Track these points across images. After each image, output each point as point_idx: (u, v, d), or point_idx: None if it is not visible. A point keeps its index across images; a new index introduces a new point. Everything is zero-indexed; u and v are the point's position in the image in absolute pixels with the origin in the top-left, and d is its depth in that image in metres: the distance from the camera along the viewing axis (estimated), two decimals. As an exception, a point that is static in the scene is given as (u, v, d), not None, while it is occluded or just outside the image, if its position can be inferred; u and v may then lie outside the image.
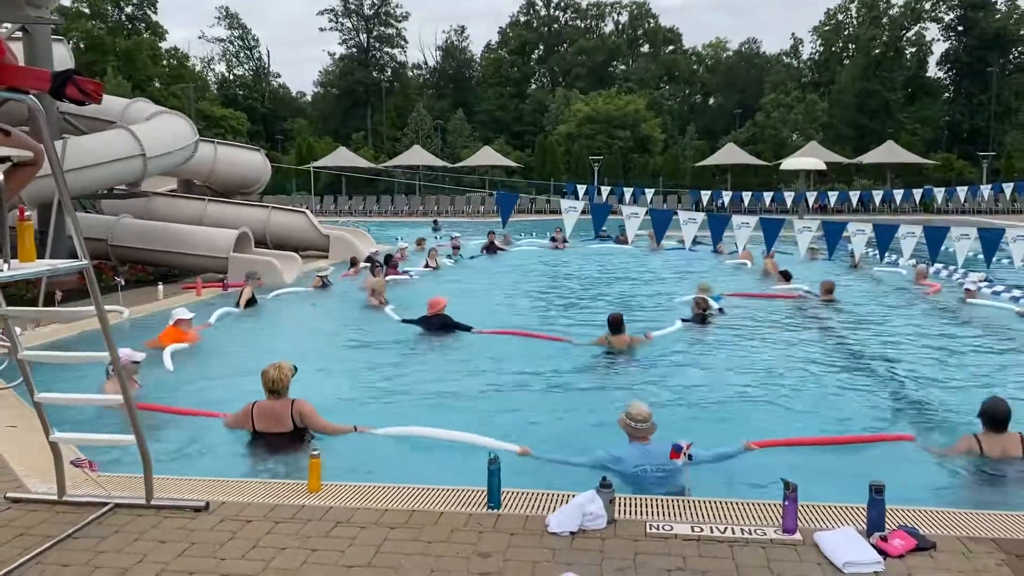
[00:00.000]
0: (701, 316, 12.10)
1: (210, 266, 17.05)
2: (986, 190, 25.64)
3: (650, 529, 4.79)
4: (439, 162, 51.30)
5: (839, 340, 11.21)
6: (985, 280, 15.80)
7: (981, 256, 12.45)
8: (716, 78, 77.92)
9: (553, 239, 25.83)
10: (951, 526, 4.84)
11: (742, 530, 4.78)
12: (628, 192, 24.73)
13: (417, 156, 50.59)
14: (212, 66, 79.88)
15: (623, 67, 78.34)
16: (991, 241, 9.74)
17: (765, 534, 4.72)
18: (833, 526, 4.83)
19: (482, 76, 78.04)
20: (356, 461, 6.37)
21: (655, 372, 9.58)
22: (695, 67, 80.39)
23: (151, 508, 5.11)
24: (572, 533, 4.72)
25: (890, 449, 6.84)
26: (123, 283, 13.66)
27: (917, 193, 24.94)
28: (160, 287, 14.76)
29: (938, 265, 17.51)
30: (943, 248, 10.39)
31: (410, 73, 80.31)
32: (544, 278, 19.22)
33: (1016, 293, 13.56)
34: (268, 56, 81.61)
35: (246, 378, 8.17)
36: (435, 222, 32.63)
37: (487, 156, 51.58)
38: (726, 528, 4.80)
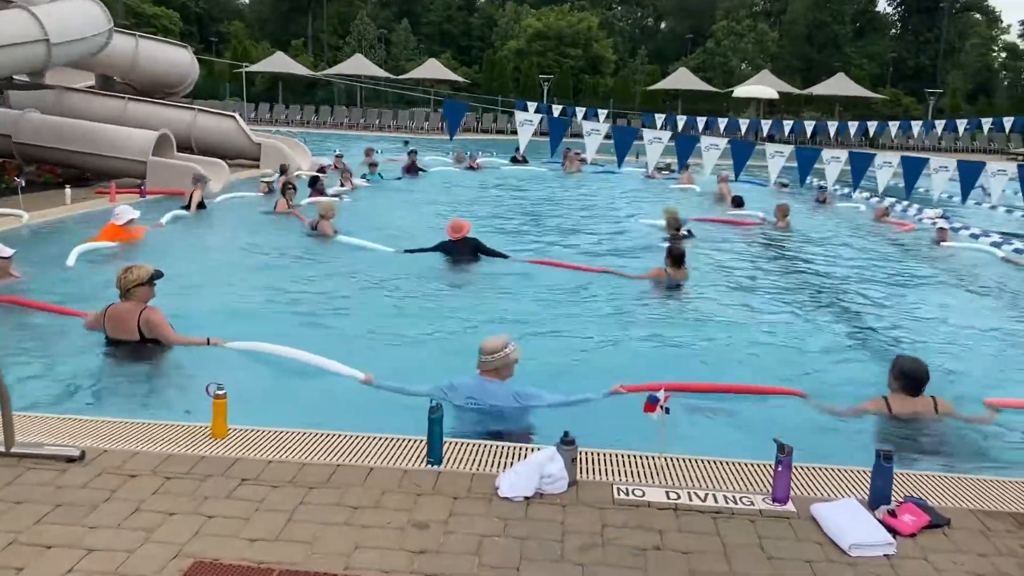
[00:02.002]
0: (676, 238, 11.43)
1: (127, 170, 15.63)
2: (940, 126, 25.39)
3: (618, 494, 4.05)
4: (382, 73, 49.03)
5: (794, 279, 10.52)
6: (943, 217, 15.43)
7: (941, 194, 11.95)
8: (669, 1, 76.13)
9: (462, 160, 24.12)
10: (957, 496, 4.22)
11: (725, 497, 4.07)
12: (581, 113, 23.66)
13: (359, 65, 48.17)
14: (142, -41, 74.67)
15: (576, -16, 75.80)
16: (969, 175, 9.14)
17: (752, 503, 4.03)
18: (820, 491, 4.18)
19: (430, -15, 74.66)
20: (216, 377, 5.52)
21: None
22: (648, -12, 78.30)
23: (12, 457, 4.17)
24: (527, 498, 3.95)
25: (785, 404, 5.88)
26: (23, 184, 12.25)
27: (872, 126, 24.49)
28: (68, 191, 13.36)
29: (895, 201, 17.02)
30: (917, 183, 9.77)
31: (353, -23, 76.34)
32: (482, 203, 17.61)
33: (996, 237, 13.02)
34: (202, -48, 75.95)
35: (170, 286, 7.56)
36: (406, 142, 30.51)
37: (433, 69, 49.50)
38: (706, 495, 4.08)
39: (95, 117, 17.20)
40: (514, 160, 24.80)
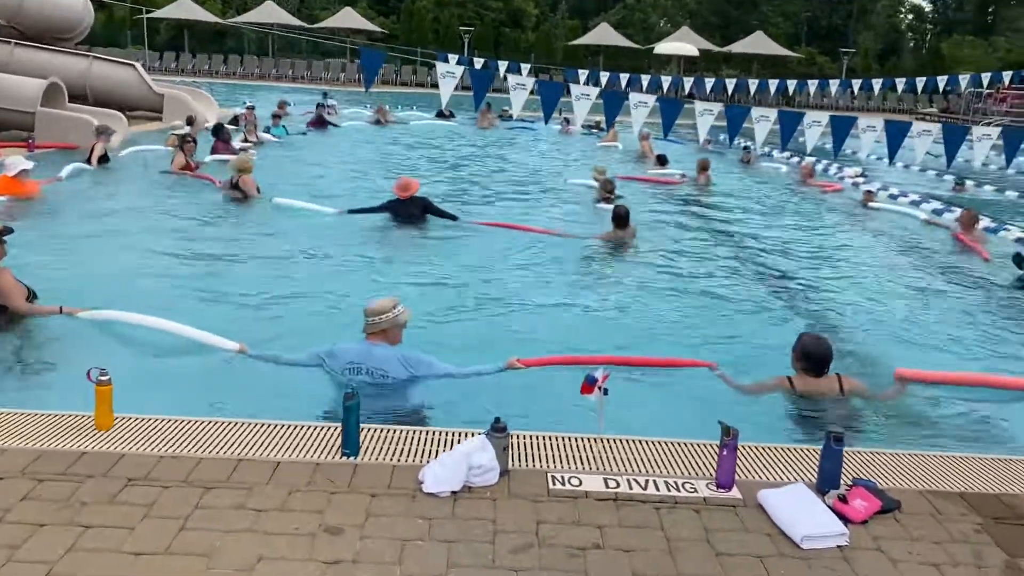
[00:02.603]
0: (607, 199, 11.23)
1: (13, 121, 14.45)
2: (856, 85, 25.83)
3: (553, 484, 3.71)
4: (295, 22, 47.08)
5: (718, 242, 10.36)
6: (862, 176, 15.59)
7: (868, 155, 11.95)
8: (590, -45, 75.33)
9: (384, 115, 23.37)
10: (903, 475, 4.03)
11: (667, 484, 3.78)
12: (503, 67, 23.08)
13: (270, 13, 46.10)
14: None
15: (495, -66, 74.17)
16: (896, 135, 9.08)
17: (696, 490, 3.75)
18: (762, 473, 3.94)
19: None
20: (65, 350, 5.54)
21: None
22: (569, -60, 77.23)
23: None
24: (454, 493, 3.57)
25: (689, 377, 5.60)
26: None
27: (792, 85, 24.71)
28: (-57, 145, 12.22)
29: (815, 160, 17.05)
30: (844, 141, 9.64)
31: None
32: (400, 161, 16.86)
33: (915, 197, 13.07)
34: None
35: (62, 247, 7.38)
36: (324, 94, 29.16)
37: (348, 18, 47.76)
38: (647, 482, 3.79)
39: (-24, 64, 15.83)
40: (440, 115, 24.00)
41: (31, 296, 5.98)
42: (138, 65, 19.85)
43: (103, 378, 3.99)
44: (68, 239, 8.72)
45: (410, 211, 9.78)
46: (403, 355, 5.06)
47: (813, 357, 5.16)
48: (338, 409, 4.59)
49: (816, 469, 3.87)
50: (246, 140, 16.20)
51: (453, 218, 10.01)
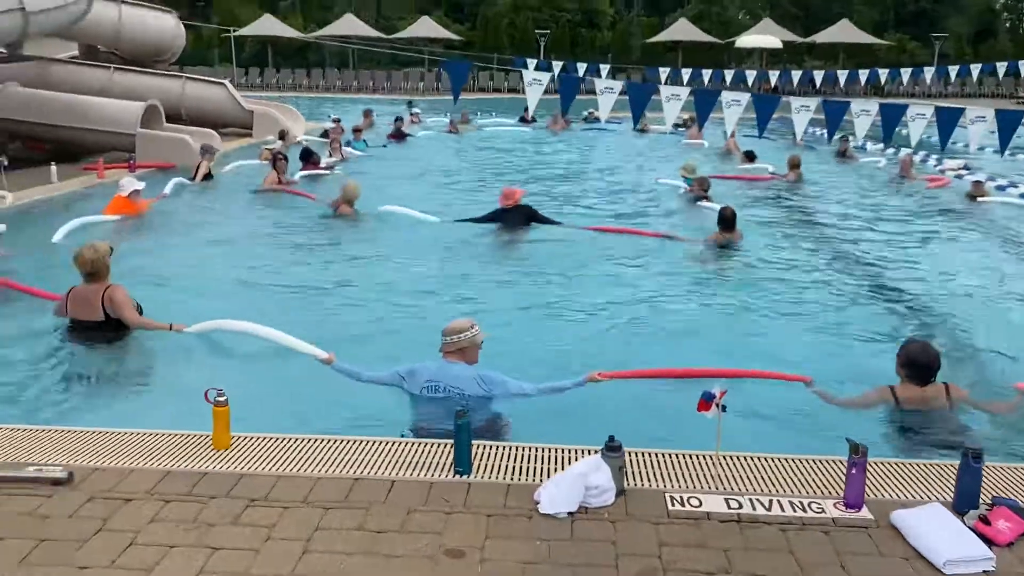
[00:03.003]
0: (704, 197, 11.28)
1: (115, 143, 15.02)
2: (953, 71, 24.66)
3: (672, 504, 3.61)
4: (374, 33, 47.88)
5: (811, 243, 9.99)
6: (964, 168, 14.88)
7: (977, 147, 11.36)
8: (665, -51, 74.37)
9: (467, 121, 23.68)
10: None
11: (791, 504, 3.63)
12: (582, 68, 22.97)
13: (350, 26, 46.97)
14: (122, -78, 72.90)
15: (568, -65, 73.97)
16: (1008, 124, 8.57)
17: (823, 510, 3.59)
18: (890, 491, 3.75)
19: (419, -60, 72.89)
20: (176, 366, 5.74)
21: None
22: (643, -64, 76.44)
23: (-10, 481, 3.72)
24: (571, 514, 3.50)
25: (783, 391, 5.33)
26: (6, 163, 11.68)
27: (883, 74, 23.82)
28: (53, 168, 12.76)
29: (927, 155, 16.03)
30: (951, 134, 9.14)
31: (342, -65, 74.55)
32: (483, 168, 16.92)
33: None
34: (185, -88, 74.00)
35: (172, 259, 7.99)
36: (409, 102, 29.65)
37: (426, 27, 48.27)
38: (771, 501, 3.65)
39: (80, 89, 16.56)
40: (522, 120, 24.02)
41: (139, 310, 6.20)
42: (228, 83, 20.47)
43: (220, 399, 4.07)
44: (174, 255, 9.07)
45: (515, 219, 9.88)
46: (479, 374, 5.08)
47: (918, 364, 4.90)
48: (422, 426, 4.75)
49: (950, 487, 3.67)
50: (331, 156, 16.28)
51: (558, 224, 10.04)
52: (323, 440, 4.21)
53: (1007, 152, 9.83)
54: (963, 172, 14.44)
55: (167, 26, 20.82)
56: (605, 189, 13.71)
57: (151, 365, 5.88)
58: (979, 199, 12.02)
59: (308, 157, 14.76)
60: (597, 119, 18.94)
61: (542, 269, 8.50)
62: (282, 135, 17.21)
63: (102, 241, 6.38)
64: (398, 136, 20.35)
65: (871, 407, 4.98)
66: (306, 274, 8.29)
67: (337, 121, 19.45)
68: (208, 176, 13.44)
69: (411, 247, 9.30)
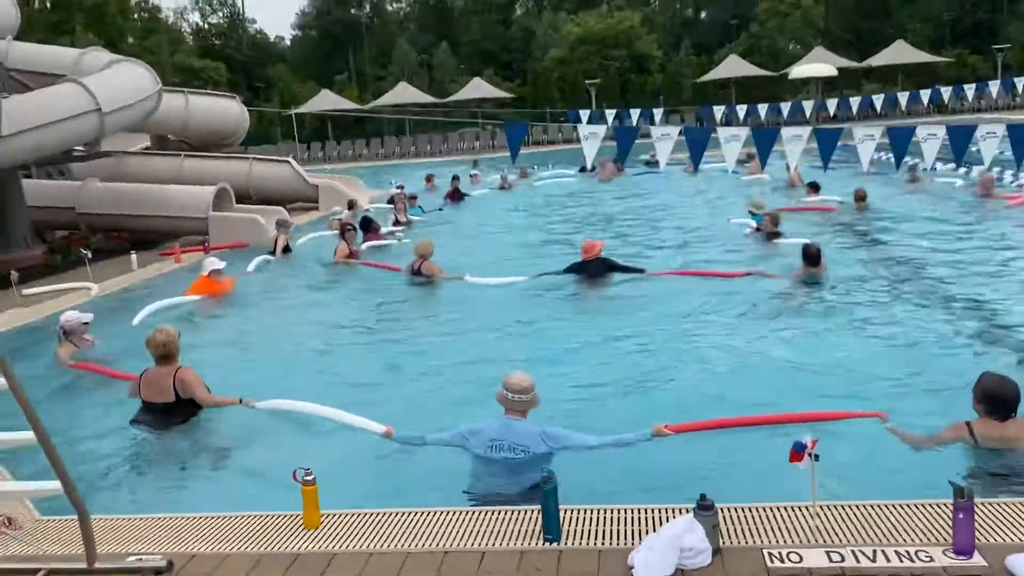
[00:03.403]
0: (775, 233, 11.41)
1: (189, 228, 15.60)
2: (1021, 84, 23.96)
3: (771, 561, 3.49)
4: (428, 98, 49.10)
5: (889, 273, 9.69)
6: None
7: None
8: (707, -11, 74.72)
9: (526, 176, 23.99)
10: None
11: (897, 554, 3.48)
12: (635, 114, 23.04)
13: (404, 94, 48.33)
14: (185, 16, 76.78)
15: (610, -16, 75.10)
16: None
17: (932, 559, 3.43)
18: (997, 534, 3.56)
19: (465, 5, 74.88)
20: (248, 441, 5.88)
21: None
22: (684, -22, 77.02)
23: (95, 574, 3.81)
24: (667, 577, 3.42)
25: (860, 429, 5.11)
26: (90, 255, 12.22)
27: (946, 92, 23.36)
28: (133, 256, 13.33)
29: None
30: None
31: (389, 7, 77.16)
32: (535, 220, 17.10)
33: None
34: (242, 1, 77.83)
35: (251, 334, 8.31)
36: (475, 162, 30.21)
37: (477, 88, 49.29)
38: (875, 552, 3.50)
39: (154, 178, 17.37)
40: (582, 170, 23.96)
41: (207, 389, 6.33)
42: (292, 160, 21.17)
43: (308, 478, 4.12)
44: (253, 330, 9.41)
45: (594, 271, 10.00)
46: (544, 431, 5.04)
47: (996, 399, 4.66)
48: (493, 489, 4.71)
49: (1068, 526, 3.47)
50: (397, 223, 16.40)
51: (640, 271, 10.12)
52: (412, 513, 4.22)
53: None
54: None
55: (232, 111, 21.73)
56: (677, 233, 13.60)
57: (228, 446, 5.96)
58: None
59: (368, 226, 14.71)
60: (656, 163, 18.89)
61: (626, 319, 8.51)
62: (351, 205, 17.66)
63: (166, 325, 6.61)
64: (455, 196, 20.49)
65: (947, 445, 4.74)
66: (390, 343, 8.33)
67: (401, 187, 19.88)
68: (287, 249, 13.84)
69: (494, 308, 9.31)
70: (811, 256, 9.27)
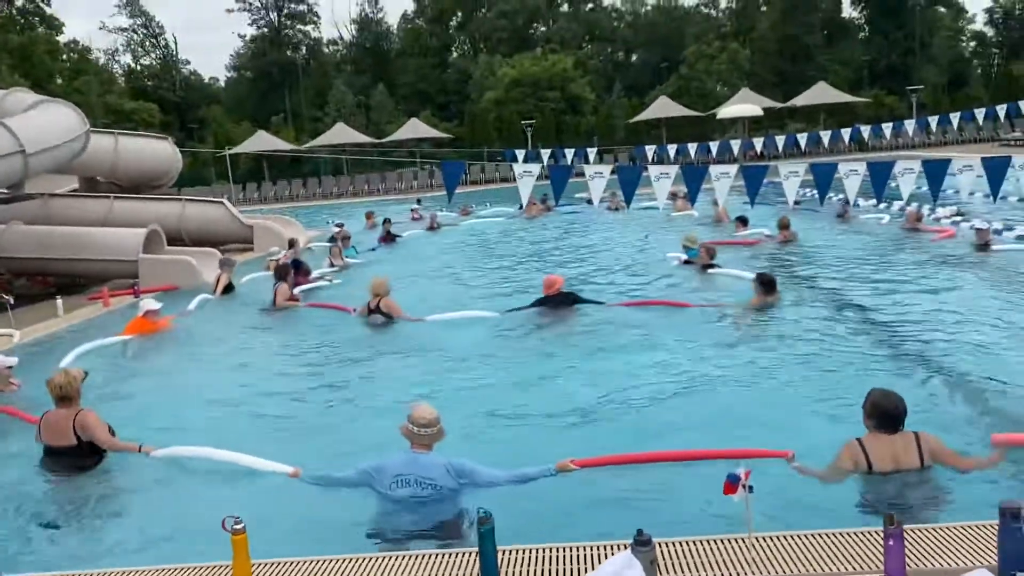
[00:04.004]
0: (709, 264, 11.97)
1: (118, 271, 15.23)
2: (934, 122, 25.23)
3: (710, 596, 3.50)
4: (365, 138, 49.09)
5: (827, 305, 9.97)
6: (958, 215, 14.99)
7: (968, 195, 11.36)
8: (637, 33, 76.78)
9: (468, 213, 24.37)
10: None
11: (832, 583, 3.52)
12: (570, 154, 23.42)
13: (341, 134, 48.23)
14: (117, 58, 75.62)
15: (544, 28, 76.57)
16: (996, 171, 8.65)
17: (866, 587, 3.47)
18: (928, 559, 3.63)
19: (401, 48, 75.46)
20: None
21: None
22: (616, 24, 79.07)
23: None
24: (607, 616, 3.39)
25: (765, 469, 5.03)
26: (12, 301, 11.81)
27: (865, 131, 24.47)
28: (59, 301, 12.90)
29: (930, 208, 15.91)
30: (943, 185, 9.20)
31: (326, 50, 77.29)
32: (469, 259, 17.16)
33: None
34: (175, 43, 76.86)
35: (182, 376, 8.22)
36: (418, 200, 30.10)
37: (414, 129, 49.52)
38: (811, 583, 3.53)
39: (82, 220, 16.91)
40: (521, 208, 24.16)
41: (111, 432, 6.21)
42: (226, 201, 20.89)
43: (238, 526, 3.98)
44: (187, 371, 9.27)
45: (559, 304, 10.23)
46: (450, 463, 5.03)
47: (884, 413, 4.83)
48: (406, 526, 4.75)
49: (993, 550, 3.56)
50: (332, 264, 16.10)
51: (600, 303, 10.38)
52: (347, 560, 4.11)
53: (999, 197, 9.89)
54: (956, 219, 14.54)
55: (164, 153, 21.38)
56: (616, 267, 13.85)
57: (136, 492, 5.77)
58: (984, 247, 11.85)
59: (297, 269, 13.86)
60: (589, 202, 19.20)
61: (589, 348, 8.72)
62: (291, 244, 17.47)
63: (74, 368, 6.57)
64: (387, 239, 20.09)
65: (847, 469, 4.80)
66: (335, 384, 8.16)
67: (340, 226, 19.69)
68: (229, 288, 13.71)
69: (452, 345, 9.22)
70: (768, 284, 9.60)
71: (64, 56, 66.09)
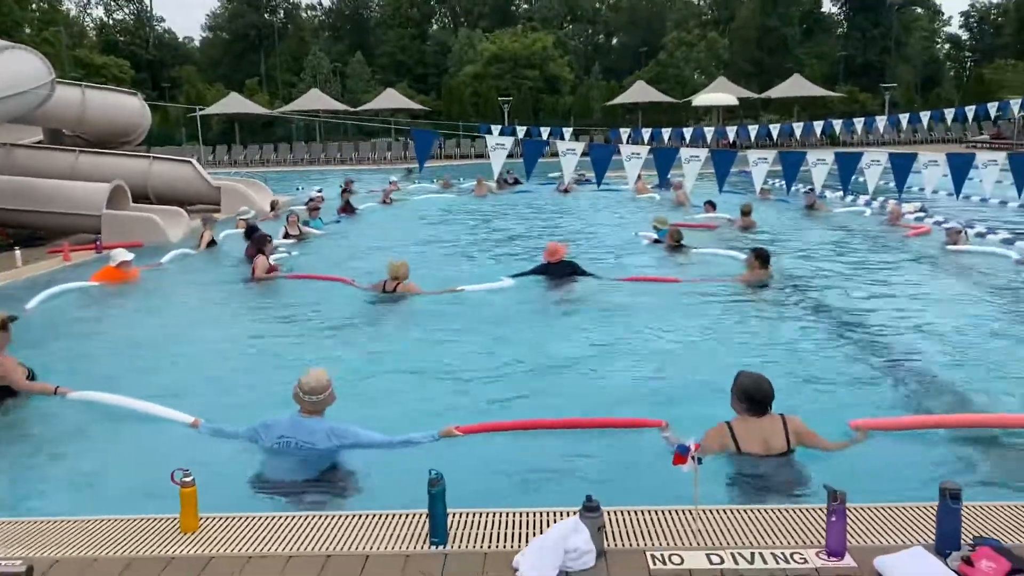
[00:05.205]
0: (677, 245, 12.34)
1: (81, 225, 14.93)
2: (904, 119, 25.56)
3: (654, 563, 3.54)
4: (340, 106, 48.53)
5: (788, 291, 10.09)
6: (921, 211, 15.21)
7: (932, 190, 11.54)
8: (619, 16, 76.68)
9: (449, 187, 24.27)
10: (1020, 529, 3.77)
11: (774, 556, 3.58)
12: (545, 132, 23.39)
13: (316, 100, 47.62)
14: (89, 11, 73.95)
15: (526, 5, 76.14)
16: (960, 168, 8.78)
17: (806, 560, 3.54)
18: (871, 536, 3.72)
19: (381, 17, 74.57)
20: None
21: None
22: (598, 5, 78.84)
23: (-55, 579, 3.57)
24: (551, 579, 3.42)
25: (638, 439, 5.29)
26: (-32, 251, 11.56)
27: (837, 125, 24.77)
28: (18, 253, 12.66)
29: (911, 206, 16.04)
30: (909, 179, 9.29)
31: (304, 15, 76.23)
32: (453, 228, 17.11)
33: (1005, 235, 12.16)
34: (150, -1, 75.21)
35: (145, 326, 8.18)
36: (409, 171, 29.47)
37: (390, 99, 49.03)
38: (752, 555, 3.59)
39: (45, 173, 16.51)
40: (504, 183, 23.90)
41: (31, 376, 6.40)
42: (194, 161, 20.54)
43: (187, 479, 3.96)
44: (149, 323, 9.20)
45: (561, 272, 10.43)
46: (331, 427, 5.14)
47: (753, 396, 4.94)
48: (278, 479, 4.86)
49: (931, 529, 3.65)
50: (287, 235, 14.84)
51: (598, 277, 10.57)
52: (294, 517, 4.11)
53: (961, 195, 10.04)
54: (920, 215, 14.75)
55: (132, 108, 20.91)
56: (589, 245, 13.89)
57: (51, 438, 5.81)
58: (951, 247, 11.85)
59: (253, 235, 12.74)
60: (589, 180, 19.11)
61: (592, 318, 8.87)
62: (273, 205, 17.18)
63: (3, 312, 6.61)
64: (347, 209, 19.40)
65: (713, 449, 4.86)
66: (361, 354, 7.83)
67: (320, 191, 19.35)
68: (212, 243, 13.93)
69: (455, 319, 8.98)
70: (764, 258, 9.95)
71: (33, 5, 64.37)
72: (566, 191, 21.36)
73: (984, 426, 5.36)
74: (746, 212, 15.03)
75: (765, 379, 5.00)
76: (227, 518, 4.10)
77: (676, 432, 5.05)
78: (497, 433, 5.40)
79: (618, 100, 50.28)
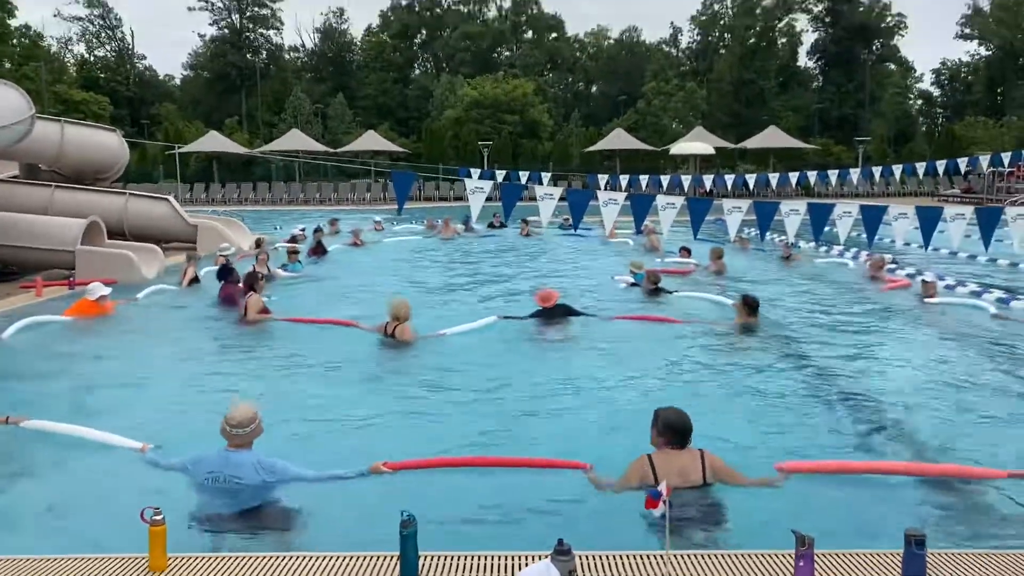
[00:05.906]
0: (655, 289, 12.50)
1: (55, 261, 14.81)
2: (877, 172, 26.19)
3: (624, 608, 3.55)
4: (320, 147, 48.74)
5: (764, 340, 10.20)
6: (894, 263, 15.47)
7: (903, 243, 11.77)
8: (598, 66, 78.11)
9: (433, 227, 24.47)
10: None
11: (743, 601, 3.61)
12: (524, 176, 23.68)
13: (296, 141, 47.81)
14: (70, 47, 73.99)
15: (507, 53, 77.40)
16: (929, 221, 8.99)
17: (774, 606, 3.57)
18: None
19: (363, 60, 75.43)
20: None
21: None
22: (578, 55, 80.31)
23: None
24: (521, 623, 3.42)
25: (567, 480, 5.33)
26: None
27: (812, 176, 25.36)
28: (-10, 287, 12.55)
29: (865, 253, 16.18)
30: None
31: (287, 56, 76.80)
32: (423, 275, 16.34)
33: (974, 287, 12.31)
34: (132, 37, 75.45)
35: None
36: (399, 211, 29.32)
37: (371, 141, 49.38)
38: (722, 599, 3.62)
39: (20, 208, 16.40)
40: (490, 226, 24.29)
41: None
42: (171, 199, 20.49)
43: (157, 518, 3.93)
44: (118, 357, 9.25)
45: (554, 316, 10.57)
46: (259, 461, 5.09)
47: (674, 429, 5.06)
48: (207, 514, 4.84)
49: (897, 575, 3.70)
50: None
51: (592, 316, 10.83)
52: (266, 558, 4.08)
53: (930, 247, 10.18)
54: (891, 266, 14.98)
55: (110, 144, 20.90)
56: (567, 288, 13.82)
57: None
58: (927, 300, 11.69)
59: (227, 277, 12.43)
60: (572, 225, 19.22)
61: (593, 359, 8.94)
62: (258, 243, 17.13)
63: None
64: (318, 251, 18.82)
65: (634, 483, 4.94)
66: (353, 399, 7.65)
67: (302, 230, 19.36)
68: (195, 280, 13.95)
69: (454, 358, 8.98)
70: (753, 306, 10.05)
71: (14, 41, 64.41)
72: (527, 234, 21.93)
73: (906, 474, 5.46)
74: (717, 256, 15.29)
75: (684, 413, 5.17)
76: (198, 558, 4.06)
77: (600, 473, 5.22)
78: (455, 471, 5.45)
79: (597, 147, 50.93)
